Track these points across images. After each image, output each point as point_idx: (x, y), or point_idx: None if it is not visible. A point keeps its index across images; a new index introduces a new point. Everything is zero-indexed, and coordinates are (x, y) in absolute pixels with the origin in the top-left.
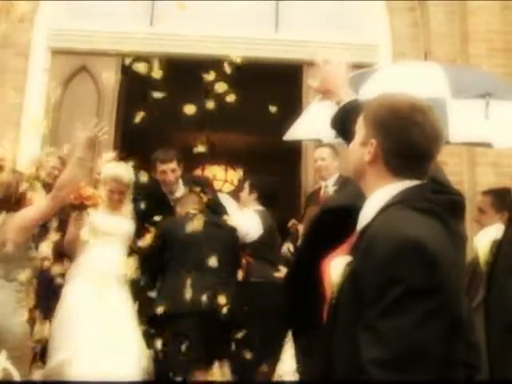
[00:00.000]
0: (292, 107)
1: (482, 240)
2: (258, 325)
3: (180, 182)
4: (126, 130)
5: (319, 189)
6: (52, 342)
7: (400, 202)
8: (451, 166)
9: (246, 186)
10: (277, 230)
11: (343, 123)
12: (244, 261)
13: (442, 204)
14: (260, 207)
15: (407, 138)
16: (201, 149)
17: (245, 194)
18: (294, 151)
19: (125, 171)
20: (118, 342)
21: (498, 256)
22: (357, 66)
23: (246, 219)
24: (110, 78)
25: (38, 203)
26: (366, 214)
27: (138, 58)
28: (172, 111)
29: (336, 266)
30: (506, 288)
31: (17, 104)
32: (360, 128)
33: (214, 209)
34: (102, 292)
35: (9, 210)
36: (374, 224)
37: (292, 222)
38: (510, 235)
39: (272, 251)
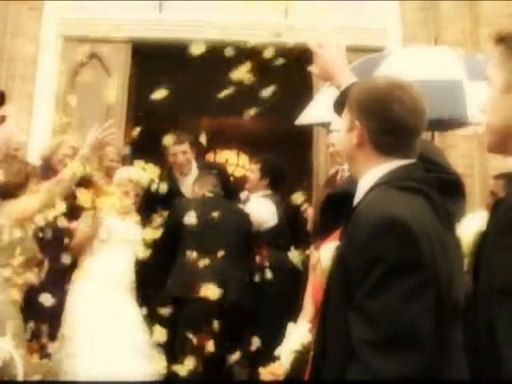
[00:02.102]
0: (303, 92)
1: (466, 229)
2: (271, 310)
3: (194, 166)
4: (136, 117)
5: (336, 173)
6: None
7: (386, 182)
8: (462, 149)
9: (256, 170)
10: (285, 213)
11: (343, 107)
12: (257, 248)
13: (428, 182)
14: (269, 191)
15: (389, 114)
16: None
17: (255, 178)
18: (306, 135)
19: (141, 173)
20: (125, 349)
21: (484, 248)
22: (366, 50)
23: (262, 208)
24: (121, 64)
25: (34, 194)
26: (357, 197)
27: (148, 44)
28: (183, 97)
29: (325, 252)
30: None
31: (28, 92)
32: (345, 116)
33: (229, 195)
34: (112, 297)
35: (9, 198)
36: (359, 206)
37: (305, 206)
38: (493, 225)
39: (283, 236)
